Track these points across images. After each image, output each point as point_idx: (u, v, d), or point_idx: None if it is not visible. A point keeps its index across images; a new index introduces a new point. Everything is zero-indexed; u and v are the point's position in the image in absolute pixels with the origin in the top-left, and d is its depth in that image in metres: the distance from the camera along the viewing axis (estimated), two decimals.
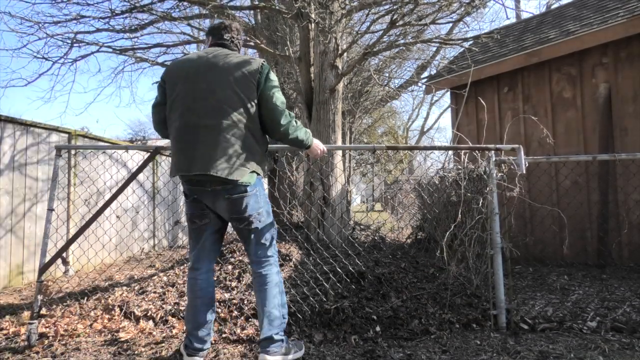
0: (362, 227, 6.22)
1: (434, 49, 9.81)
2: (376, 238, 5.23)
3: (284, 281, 3.25)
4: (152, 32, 7.64)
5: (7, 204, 4.30)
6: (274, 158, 7.45)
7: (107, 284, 3.91)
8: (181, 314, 2.88)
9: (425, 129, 27.12)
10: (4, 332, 2.80)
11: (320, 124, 5.01)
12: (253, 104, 2.08)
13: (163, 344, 2.50)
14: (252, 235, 2.16)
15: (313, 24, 4.95)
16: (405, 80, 10.08)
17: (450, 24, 8.74)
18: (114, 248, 5.82)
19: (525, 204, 4.90)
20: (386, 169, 18.40)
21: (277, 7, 5.32)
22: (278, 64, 7.73)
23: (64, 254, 2.71)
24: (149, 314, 2.90)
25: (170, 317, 2.86)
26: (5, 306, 3.46)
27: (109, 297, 3.30)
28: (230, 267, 3.69)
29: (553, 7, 11.31)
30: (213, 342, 2.49)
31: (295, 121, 2.20)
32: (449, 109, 6.77)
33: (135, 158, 6.44)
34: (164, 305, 3.00)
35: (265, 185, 5.91)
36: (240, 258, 3.81)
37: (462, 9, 4.70)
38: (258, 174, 2.14)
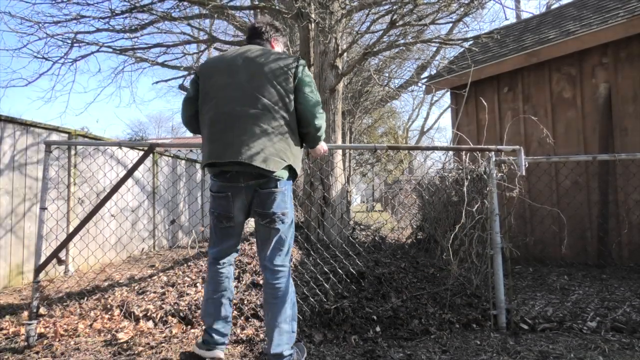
0: (362, 227, 6.22)
1: (434, 49, 9.82)
2: (376, 238, 5.22)
3: None
4: (152, 32, 7.65)
5: (7, 203, 4.30)
6: None
7: (106, 284, 3.90)
8: (181, 314, 2.87)
9: (425, 129, 27.19)
10: (4, 332, 2.80)
11: None
12: (290, 97, 2.02)
13: (163, 344, 2.50)
14: (272, 236, 2.07)
15: (313, 24, 4.95)
16: (405, 81, 10.08)
17: (450, 24, 8.74)
18: (123, 248, 5.83)
19: (525, 204, 4.90)
20: (386, 169, 18.39)
21: (277, 7, 5.32)
22: None
23: (60, 254, 2.66)
24: (148, 314, 2.89)
25: (169, 317, 2.86)
26: (5, 306, 3.46)
27: (109, 297, 3.30)
28: None
29: (553, 7, 11.31)
30: None
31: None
32: (449, 109, 6.76)
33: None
34: (163, 306, 2.99)
35: None
36: (240, 258, 3.81)
37: (462, 9, 4.70)
38: (292, 171, 2.07)
